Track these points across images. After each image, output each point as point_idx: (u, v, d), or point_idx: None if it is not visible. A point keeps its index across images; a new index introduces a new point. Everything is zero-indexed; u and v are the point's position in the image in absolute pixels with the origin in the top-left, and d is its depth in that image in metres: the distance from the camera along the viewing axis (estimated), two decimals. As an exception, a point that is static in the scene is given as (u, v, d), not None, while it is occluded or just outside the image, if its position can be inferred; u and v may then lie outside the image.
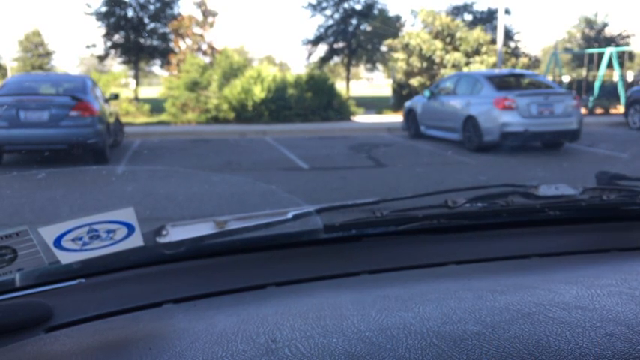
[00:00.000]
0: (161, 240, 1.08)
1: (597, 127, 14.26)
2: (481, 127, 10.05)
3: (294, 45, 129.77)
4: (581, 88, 20.08)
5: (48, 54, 38.95)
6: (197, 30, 25.20)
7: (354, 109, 18.33)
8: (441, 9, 35.50)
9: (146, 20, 28.89)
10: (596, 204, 1.33)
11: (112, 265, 1.03)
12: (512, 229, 1.32)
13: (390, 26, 28.83)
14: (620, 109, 17.59)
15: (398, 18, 32.70)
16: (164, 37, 28.92)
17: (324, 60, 34.35)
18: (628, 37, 37.15)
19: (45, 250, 0.76)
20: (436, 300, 0.80)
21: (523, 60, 21.46)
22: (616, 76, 20.28)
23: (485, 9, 30.87)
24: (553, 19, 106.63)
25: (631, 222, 1.35)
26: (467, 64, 19.56)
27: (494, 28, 22.92)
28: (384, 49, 28.53)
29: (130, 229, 0.82)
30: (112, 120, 10.14)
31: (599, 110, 18.88)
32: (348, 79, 35.82)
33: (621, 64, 20.26)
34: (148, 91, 36.16)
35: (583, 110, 13.87)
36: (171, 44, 27.38)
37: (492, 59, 19.21)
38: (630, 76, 22.22)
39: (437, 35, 20.22)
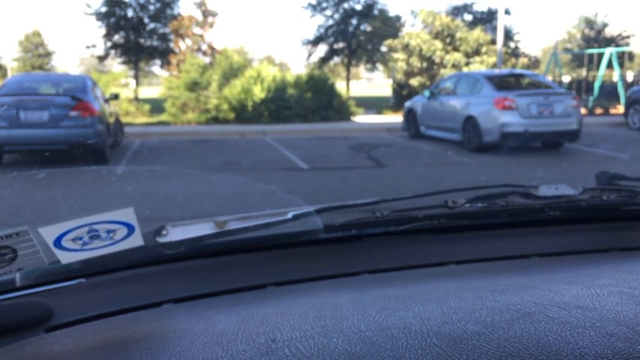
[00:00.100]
0: (161, 240, 1.08)
1: (597, 127, 14.27)
2: (481, 127, 10.05)
3: (294, 45, 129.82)
4: (581, 88, 20.08)
5: (48, 54, 38.94)
6: (197, 30, 25.24)
7: (354, 109, 18.33)
8: (441, 9, 35.48)
9: (146, 20, 28.87)
10: (596, 204, 1.33)
11: (112, 265, 1.03)
12: (512, 229, 1.32)
13: (390, 26, 28.83)
14: (620, 109, 17.59)
15: (398, 18, 32.73)
16: (164, 37, 28.91)
17: (324, 60, 34.34)
18: (628, 37, 37.16)
19: (45, 250, 0.76)
20: (436, 300, 0.80)
21: (523, 60, 21.47)
22: (616, 76, 20.29)
23: (485, 9, 30.91)
24: (553, 19, 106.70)
25: (631, 222, 1.35)
26: (467, 64, 19.56)
27: (494, 29, 22.92)
28: (384, 49, 28.55)
29: (130, 229, 0.82)
30: (112, 120, 10.15)
31: (599, 110, 18.88)
32: (348, 80, 35.82)
33: (621, 65, 20.26)
34: (148, 92, 36.17)
35: (583, 110, 13.88)
36: (171, 44, 27.40)
37: (492, 59, 19.21)
38: (630, 76, 22.23)
39: (437, 35, 20.23)
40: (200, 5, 25.46)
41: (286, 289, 0.97)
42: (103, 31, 28.55)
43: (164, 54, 28.21)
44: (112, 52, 29.59)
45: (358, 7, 32.57)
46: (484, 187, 1.47)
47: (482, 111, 10.18)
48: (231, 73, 17.53)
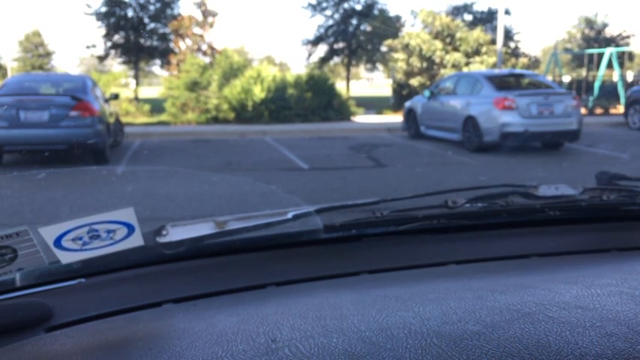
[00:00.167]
0: (161, 240, 1.08)
1: (597, 127, 14.27)
2: (481, 127, 10.05)
3: (294, 45, 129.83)
4: (581, 88, 20.08)
5: (48, 54, 38.93)
6: (197, 30, 25.24)
7: (354, 109, 18.33)
8: (441, 9, 35.48)
9: (146, 20, 28.88)
10: (596, 204, 1.33)
11: (112, 265, 1.03)
12: (512, 229, 1.32)
13: (390, 26, 28.83)
14: (620, 109, 17.59)
15: (398, 18, 32.71)
16: (164, 37, 28.92)
17: (324, 60, 34.33)
18: (628, 37, 37.16)
19: (45, 250, 0.76)
20: (436, 300, 0.80)
21: (523, 60, 21.46)
22: (616, 76, 20.29)
23: (485, 9, 30.92)
24: (553, 19, 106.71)
25: (631, 222, 1.35)
26: (467, 64, 19.56)
27: (494, 29, 22.92)
28: (384, 49, 28.55)
29: (130, 229, 0.82)
30: (112, 120, 10.15)
31: (599, 110, 18.88)
32: (348, 80, 35.82)
33: (621, 65, 20.26)
34: (148, 91, 36.15)
35: (583, 110, 13.87)
36: (171, 44, 27.40)
37: (492, 59, 19.21)
38: (630, 76, 22.22)
39: (437, 35, 20.22)
40: (200, 5, 25.47)
41: (286, 289, 0.97)
42: (103, 31, 28.60)
43: (164, 54, 28.22)
44: (112, 52, 29.61)
45: (358, 7, 32.59)
46: (484, 187, 1.47)
47: (482, 111, 10.18)
48: (231, 73, 17.53)
